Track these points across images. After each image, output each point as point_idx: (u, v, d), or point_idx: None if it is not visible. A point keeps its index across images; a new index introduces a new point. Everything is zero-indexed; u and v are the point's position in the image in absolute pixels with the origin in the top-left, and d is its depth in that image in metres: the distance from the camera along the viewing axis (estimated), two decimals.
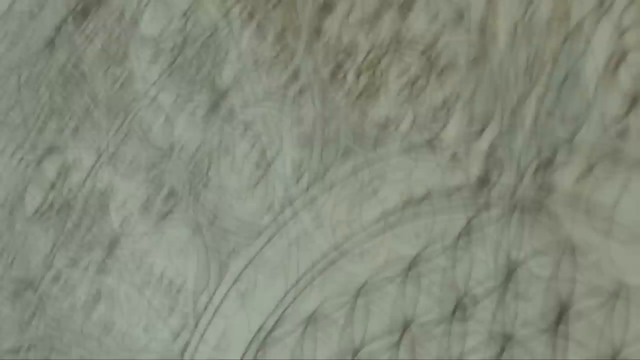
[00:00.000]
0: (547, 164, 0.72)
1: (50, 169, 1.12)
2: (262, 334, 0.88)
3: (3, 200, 1.15)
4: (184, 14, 0.97)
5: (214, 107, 0.94)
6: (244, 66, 0.92)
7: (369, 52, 0.82)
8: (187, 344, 0.93)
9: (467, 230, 0.76)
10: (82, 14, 1.04)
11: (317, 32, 0.86)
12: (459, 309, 0.75)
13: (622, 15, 0.71)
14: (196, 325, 0.92)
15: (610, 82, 0.70)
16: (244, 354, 0.88)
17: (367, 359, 0.80)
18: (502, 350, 0.73)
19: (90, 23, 1.03)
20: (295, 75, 0.87)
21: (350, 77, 0.83)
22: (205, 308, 0.92)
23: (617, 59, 0.70)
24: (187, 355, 0.93)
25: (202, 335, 0.92)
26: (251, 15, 0.91)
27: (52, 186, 1.10)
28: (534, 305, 0.72)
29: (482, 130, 0.75)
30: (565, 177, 0.71)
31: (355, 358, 0.81)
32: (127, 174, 1.02)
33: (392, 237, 0.80)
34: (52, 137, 1.12)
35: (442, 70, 0.77)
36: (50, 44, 1.10)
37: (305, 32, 0.87)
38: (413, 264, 0.79)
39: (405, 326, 0.78)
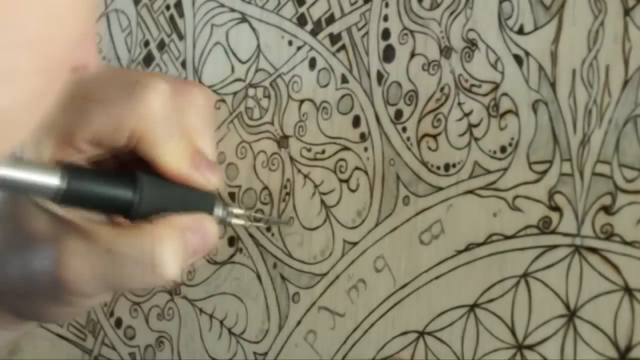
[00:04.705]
0: (606, 209, 0.72)
1: None
2: None
3: None
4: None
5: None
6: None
7: (430, 97, 0.83)
8: None
9: (527, 275, 0.76)
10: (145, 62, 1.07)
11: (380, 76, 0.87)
12: (519, 354, 0.75)
13: None
14: None
15: None
16: None
17: None
18: None
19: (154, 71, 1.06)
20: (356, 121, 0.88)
21: (411, 122, 0.84)
22: None
23: None
24: None
25: None
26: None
27: None
28: (593, 350, 0.71)
29: (542, 175, 0.76)
30: (625, 222, 0.71)
31: None
32: None
33: (451, 281, 0.81)
34: None
35: (502, 115, 0.78)
36: None
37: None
38: (472, 308, 0.79)
39: None
